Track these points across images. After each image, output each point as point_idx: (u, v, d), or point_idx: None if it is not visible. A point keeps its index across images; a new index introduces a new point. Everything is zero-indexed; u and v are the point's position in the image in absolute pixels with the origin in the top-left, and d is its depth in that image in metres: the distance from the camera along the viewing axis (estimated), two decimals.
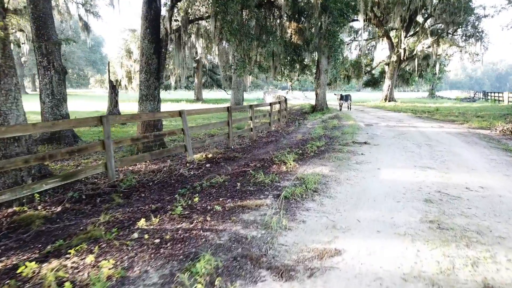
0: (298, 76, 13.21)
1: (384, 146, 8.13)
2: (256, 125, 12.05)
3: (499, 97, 33.06)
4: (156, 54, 8.95)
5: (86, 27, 21.72)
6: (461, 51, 29.60)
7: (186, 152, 7.24)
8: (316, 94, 19.88)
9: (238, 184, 4.88)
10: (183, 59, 9.41)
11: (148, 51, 8.86)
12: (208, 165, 6.64)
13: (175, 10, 8.64)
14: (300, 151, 7.42)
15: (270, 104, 12.42)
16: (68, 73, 49.26)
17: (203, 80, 44.43)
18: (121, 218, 3.79)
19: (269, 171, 5.76)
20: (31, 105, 21.06)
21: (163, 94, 46.76)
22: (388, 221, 3.62)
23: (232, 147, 9.02)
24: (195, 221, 3.54)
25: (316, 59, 19.60)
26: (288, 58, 10.42)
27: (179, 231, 3.29)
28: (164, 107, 28.53)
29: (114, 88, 16.60)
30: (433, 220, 3.61)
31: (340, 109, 20.64)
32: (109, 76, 18.76)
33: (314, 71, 21.05)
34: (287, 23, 10.99)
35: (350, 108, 20.98)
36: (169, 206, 4.03)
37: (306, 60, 12.66)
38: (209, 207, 3.98)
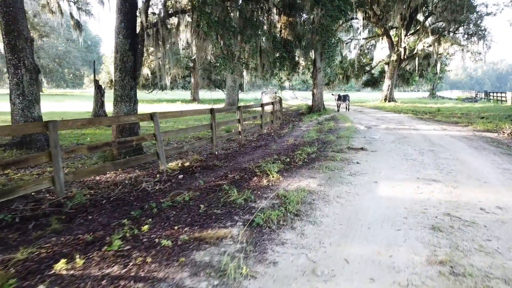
0: (289, 75, 12.23)
1: (382, 153, 7.26)
2: (245, 127, 11.19)
3: (501, 97, 32.15)
4: (132, 51, 8.10)
5: (78, 26, 20.84)
6: (462, 50, 28.69)
7: (159, 161, 6.39)
8: (313, 94, 19.01)
9: (202, 206, 4.01)
10: (163, 56, 8.56)
11: (123, 47, 8.00)
12: (180, 176, 5.78)
13: (152, 2, 7.83)
14: (288, 159, 6.56)
15: (262, 105, 11.56)
16: (64, 73, 48.31)
17: (200, 80, 43.59)
18: (43, 255, 2.93)
19: (248, 185, 4.90)
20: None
21: (159, 95, 45.97)
22: (385, 261, 2.76)
23: (216, 153, 8.17)
24: (132, 263, 2.68)
25: (313, 57, 18.74)
26: (277, 55, 9.55)
27: (103, 281, 2.43)
28: (158, 107, 27.67)
29: (100, 88, 15.75)
30: (444, 261, 2.75)
31: (338, 110, 19.77)
32: (94, 76, 17.90)
33: (306, 69, 20.19)
34: (277, 16, 10.13)
35: (348, 109, 20.12)
36: (108, 238, 3.18)
37: (298, 57, 11.74)
38: (157, 239, 3.12)
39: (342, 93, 20.83)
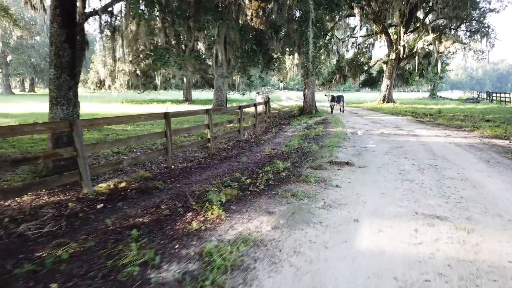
0: (261, 72, 10.63)
1: (372, 170, 5.76)
2: (220, 133, 9.71)
3: (505, 97, 30.58)
4: (70, 43, 6.61)
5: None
6: (464, 48, 27.12)
7: (82, 181, 4.90)
8: (304, 95, 17.51)
9: (74, 272, 2.53)
10: (113, 50, 7.09)
11: (58, 39, 6.52)
12: (100, 206, 4.30)
13: None
14: (249, 180, 5.05)
15: (240, 108, 10.07)
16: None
17: (194, 80, 42.06)
18: None
19: (172, 228, 3.41)
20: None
21: (152, 95, 44.47)
22: None
23: (173, 166, 6.69)
24: None
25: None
26: (246, 47, 8.04)
27: None
28: (147, 108, 26.10)
29: None
30: None
31: (332, 112, 18.25)
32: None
33: (294, 66, 18.66)
34: (247, 1, 8.59)
35: (343, 111, 18.60)
36: None
37: (275, 52, 10.21)
38: None
39: (336, 94, 19.31)
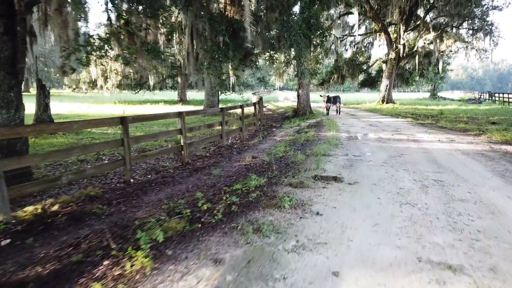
0: (236, 69, 9.46)
1: (364, 188, 4.70)
2: (196, 140, 8.68)
3: (508, 98, 29.48)
4: (10, 35, 5.59)
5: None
6: (467, 47, 26.04)
7: None
8: (298, 96, 16.47)
9: None
10: (66, 39, 5.98)
11: None
12: (6, 242, 3.27)
13: None
14: (207, 205, 3.99)
15: (222, 110, 9.03)
16: (50, 72, 45.20)
17: (189, 80, 40.99)
18: None
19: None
20: None
21: (148, 95, 43.53)
22: None
23: (132, 180, 5.67)
24: None
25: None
26: (218, 40, 6.91)
27: None
28: (134, 109, 24.88)
29: (43, 88, 13.29)
30: None
31: (327, 114, 17.19)
32: (37, 74, 15.40)
33: (275, 63, 17.61)
34: None
35: (339, 112, 17.54)
36: None
37: (253, 47, 9.05)
38: None
39: (332, 94, 18.25)
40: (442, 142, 8.78)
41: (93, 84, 33.78)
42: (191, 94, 48.50)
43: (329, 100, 16.70)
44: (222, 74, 7.05)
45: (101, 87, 32.92)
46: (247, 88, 47.59)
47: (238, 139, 10.38)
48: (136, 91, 38.66)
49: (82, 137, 10.92)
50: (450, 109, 22.56)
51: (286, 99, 39.68)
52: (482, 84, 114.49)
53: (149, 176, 6.01)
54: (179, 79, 37.67)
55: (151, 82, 33.29)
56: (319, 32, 15.19)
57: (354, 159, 6.63)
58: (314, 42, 16.81)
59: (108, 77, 32.50)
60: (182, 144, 7.07)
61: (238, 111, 10.95)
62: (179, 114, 7.04)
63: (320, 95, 17.19)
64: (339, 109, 17.52)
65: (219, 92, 22.76)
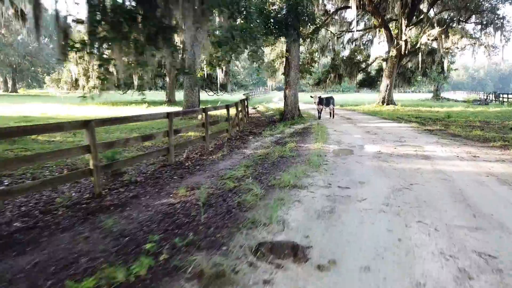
0: (143, 52, 6.67)
1: (347, 282, 2.37)
2: (130, 156, 6.34)
3: None
4: None
5: (22, 15, 15.95)
6: (474, 43, 23.62)
7: None
8: (285, 97, 14.12)
9: None
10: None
11: None
12: None
13: None
14: None
15: (168, 115, 6.68)
16: (38, 72, 43.06)
17: (181, 80, 38.69)
18: None
19: None
20: None
21: (136, 95, 41.18)
22: None
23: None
24: None
25: (285, 47, 13.88)
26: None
27: None
28: (118, 111, 22.35)
29: None
30: None
31: (319, 117, 14.81)
32: None
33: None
34: None
35: (333, 116, 15.17)
36: None
37: (177, 27, 6.32)
38: None
39: (325, 95, 15.88)
40: (462, 160, 6.42)
41: (75, 84, 31.52)
42: (181, 95, 46.02)
43: (320, 101, 14.32)
44: (104, 60, 4.67)
45: (83, 87, 30.67)
46: (240, 88, 45.18)
47: (199, 152, 8.05)
48: (124, 91, 36.42)
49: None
50: (457, 112, 20.18)
51: (280, 100, 37.31)
52: (483, 85, 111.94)
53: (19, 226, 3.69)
54: (167, 79, 35.35)
55: (135, 81, 31.03)
56: (308, 22, 12.88)
57: (339, 195, 4.27)
58: (304, 35, 14.52)
59: (90, 76, 30.26)
60: (92, 167, 4.74)
61: (200, 117, 8.60)
62: (85, 124, 4.70)
63: (311, 96, 14.82)
64: (333, 112, 15.15)
65: (199, 90, 20.40)
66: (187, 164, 6.80)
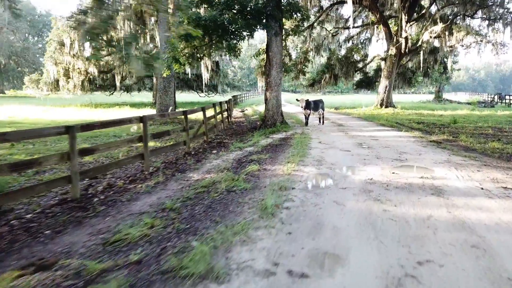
0: None
1: None
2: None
3: None
4: None
5: None
6: (481, 41, 21.49)
7: None
8: (266, 100, 12.01)
9: None
10: None
11: None
12: None
13: None
14: None
15: (67, 129, 4.62)
16: (24, 72, 40.68)
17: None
18: None
19: None
20: None
21: (124, 97, 39.20)
22: None
23: None
24: None
25: (266, 42, 11.79)
26: None
27: None
28: (96, 114, 20.08)
29: None
30: None
31: (306, 123, 12.70)
32: None
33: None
34: None
35: (323, 122, 13.06)
36: None
37: None
38: None
39: (313, 98, 13.76)
40: (491, 197, 4.32)
41: (56, 86, 29.42)
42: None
43: (308, 105, 12.21)
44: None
45: (63, 87, 28.63)
46: (234, 89, 43.05)
47: (132, 175, 5.98)
48: (111, 92, 34.35)
49: None
50: (463, 116, 18.06)
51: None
52: (484, 86, 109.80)
53: None
54: (154, 80, 33.28)
55: (117, 82, 29.01)
56: (292, 12, 10.79)
57: None
58: (288, 29, 12.43)
59: (71, 76, 28.23)
60: None
61: (135, 127, 6.54)
62: None
63: (297, 99, 12.69)
64: (323, 117, 13.04)
65: (174, 91, 18.32)
66: (95, 200, 4.72)
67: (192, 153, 8.07)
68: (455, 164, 6.21)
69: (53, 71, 27.09)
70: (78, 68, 27.72)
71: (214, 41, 11.40)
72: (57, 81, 28.81)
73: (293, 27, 12.41)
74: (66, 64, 27.92)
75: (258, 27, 10.71)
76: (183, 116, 8.35)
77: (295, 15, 11.59)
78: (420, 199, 4.24)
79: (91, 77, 29.20)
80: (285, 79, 39.37)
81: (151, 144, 7.73)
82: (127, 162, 6.14)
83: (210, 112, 11.36)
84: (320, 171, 5.69)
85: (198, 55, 11.91)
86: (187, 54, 11.49)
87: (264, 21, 10.66)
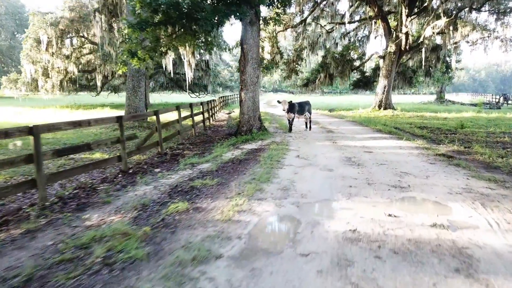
0: None
1: None
2: None
3: None
4: None
5: None
6: (488, 36, 19.49)
7: None
8: (240, 102, 10.04)
9: None
10: None
11: None
12: None
13: None
14: None
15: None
16: (11, 72, 38.31)
17: (161, 80, 34.66)
18: None
19: None
20: None
21: (112, 98, 37.09)
22: None
23: None
24: None
25: (240, 36, 9.83)
26: None
27: None
28: (72, 115, 18.10)
29: None
30: None
31: (290, 129, 10.71)
32: None
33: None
34: None
35: (310, 127, 11.08)
36: None
37: None
38: None
39: (298, 100, 11.79)
40: None
41: (36, 86, 27.43)
42: (164, 97, 41.99)
43: (291, 108, 10.21)
44: None
45: (42, 87, 26.68)
46: (226, 89, 41.04)
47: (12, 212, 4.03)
48: (97, 93, 32.39)
49: None
50: (469, 119, 16.08)
51: (265, 104, 33.29)
52: (484, 87, 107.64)
53: None
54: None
55: (98, 82, 27.07)
56: None
57: None
58: (267, 18, 10.45)
59: (49, 75, 26.30)
60: None
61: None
62: None
63: (278, 101, 10.69)
64: (310, 121, 11.07)
65: (145, 92, 16.35)
66: None
67: (130, 171, 6.13)
68: (480, 196, 4.24)
69: (30, 70, 25.14)
70: (58, 67, 25.78)
71: (178, 32, 9.47)
72: (36, 81, 26.87)
73: (272, 15, 10.45)
74: (45, 63, 25.99)
75: (229, 14, 8.76)
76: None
77: (275, 1, 9.65)
78: (437, 284, 2.28)
79: (72, 76, 27.26)
80: (283, 79, 37.27)
81: (60, 162, 5.77)
82: (21, 188, 4.17)
83: (184, 114, 9.44)
84: (280, 213, 3.73)
85: (161, 48, 9.97)
86: (147, 47, 9.55)
87: (235, 7, 8.72)
